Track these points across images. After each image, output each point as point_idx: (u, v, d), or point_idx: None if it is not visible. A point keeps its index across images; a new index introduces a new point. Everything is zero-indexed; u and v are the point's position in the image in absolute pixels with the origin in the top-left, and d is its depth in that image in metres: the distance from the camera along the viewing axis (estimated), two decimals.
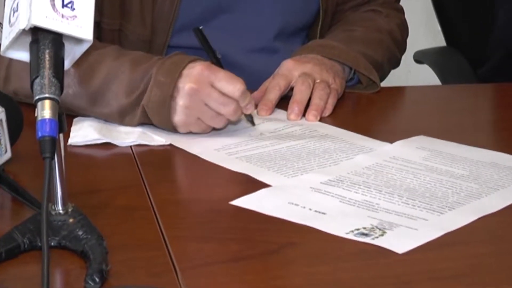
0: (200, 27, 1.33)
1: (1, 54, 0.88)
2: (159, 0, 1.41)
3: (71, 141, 1.18)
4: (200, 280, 0.83)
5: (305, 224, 0.94)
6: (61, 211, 0.88)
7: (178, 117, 1.19)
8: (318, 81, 1.35)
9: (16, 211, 0.99)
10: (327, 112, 1.34)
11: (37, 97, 0.82)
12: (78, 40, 0.86)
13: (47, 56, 0.83)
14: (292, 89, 1.35)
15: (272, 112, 1.34)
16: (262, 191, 1.03)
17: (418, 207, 0.98)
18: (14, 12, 0.85)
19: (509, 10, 2.01)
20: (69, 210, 0.88)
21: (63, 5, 0.84)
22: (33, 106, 0.82)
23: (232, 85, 1.17)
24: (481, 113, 1.45)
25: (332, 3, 1.57)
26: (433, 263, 0.86)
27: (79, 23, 0.85)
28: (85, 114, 1.25)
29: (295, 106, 1.32)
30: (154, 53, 1.34)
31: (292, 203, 0.99)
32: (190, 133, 1.22)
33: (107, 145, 1.18)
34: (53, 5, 0.84)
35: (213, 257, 0.87)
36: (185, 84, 1.18)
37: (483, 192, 1.04)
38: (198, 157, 1.15)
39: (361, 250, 0.88)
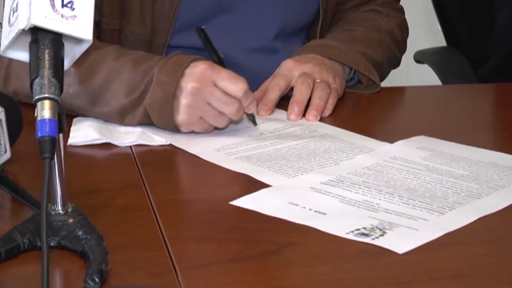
0: (203, 27, 1.33)
1: (1, 54, 0.88)
2: (159, 0, 1.41)
3: (71, 141, 1.18)
4: (200, 280, 0.83)
5: (305, 224, 0.94)
6: (61, 211, 0.87)
7: (181, 117, 1.19)
8: (318, 81, 1.35)
9: (16, 211, 0.99)
10: (327, 112, 1.34)
11: (36, 97, 0.82)
12: (78, 40, 0.86)
13: (46, 56, 0.83)
14: (292, 89, 1.35)
15: (272, 112, 1.34)
16: (262, 191, 1.03)
17: (418, 207, 0.98)
18: (13, 12, 0.85)
19: (509, 10, 2.01)
20: (69, 210, 0.88)
21: (63, 5, 0.84)
22: (33, 106, 0.82)
23: (235, 85, 1.17)
24: (481, 113, 1.45)
25: (332, 3, 1.57)
26: (433, 263, 0.86)
27: (78, 23, 0.85)
28: (85, 114, 1.25)
29: (295, 106, 1.32)
30: (154, 53, 1.34)
31: (292, 203, 0.99)
32: (191, 133, 1.22)
33: (107, 145, 1.18)
34: (53, 5, 0.84)
35: (213, 257, 0.87)
36: (188, 83, 1.18)
37: (483, 192, 1.04)
38: (198, 157, 1.15)
39: (361, 250, 0.88)
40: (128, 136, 1.20)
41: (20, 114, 1.11)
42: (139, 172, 1.10)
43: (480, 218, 0.96)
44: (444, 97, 1.57)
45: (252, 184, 1.05)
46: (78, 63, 0.92)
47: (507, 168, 1.12)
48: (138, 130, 1.22)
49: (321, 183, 1.05)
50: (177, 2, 1.41)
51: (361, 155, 1.15)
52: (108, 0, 1.39)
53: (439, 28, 2.17)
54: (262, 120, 1.30)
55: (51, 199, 0.87)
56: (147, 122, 1.22)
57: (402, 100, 1.56)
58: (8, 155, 1.07)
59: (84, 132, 1.20)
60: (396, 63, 1.60)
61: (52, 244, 0.86)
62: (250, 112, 1.22)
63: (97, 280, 0.79)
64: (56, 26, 0.84)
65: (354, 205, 0.98)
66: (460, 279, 0.84)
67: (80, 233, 0.86)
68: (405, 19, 1.63)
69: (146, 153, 1.16)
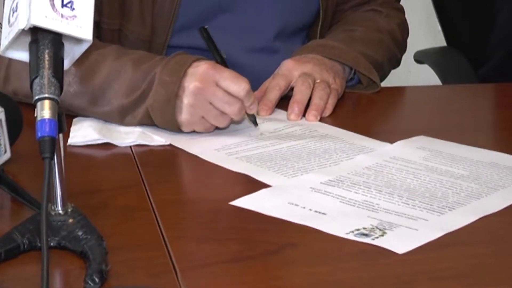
0: (206, 26, 1.33)
1: (1, 54, 0.88)
2: (159, 0, 1.41)
3: (71, 141, 1.18)
4: (200, 280, 0.83)
5: (305, 224, 0.94)
6: (60, 212, 0.87)
7: (183, 116, 1.19)
8: (318, 81, 1.35)
9: (16, 211, 0.99)
10: (327, 112, 1.34)
11: (36, 97, 0.82)
12: (78, 40, 0.86)
13: (46, 56, 0.83)
14: (292, 89, 1.35)
15: (272, 112, 1.34)
16: (262, 191, 1.03)
17: (418, 207, 0.98)
18: (13, 12, 0.85)
19: (509, 10, 2.01)
20: (69, 210, 0.88)
21: (63, 5, 0.84)
22: (33, 106, 0.82)
23: (237, 85, 1.17)
24: (481, 113, 1.45)
25: (332, 3, 1.57)
26: (433, 263, 0.86)
27: (78, 23, 0.85)
28: (85, 114, 1.25)
29: (295, 106, 1.32)
30: (154, 53, 1.34)
31: (292, 203, 0.99)
32: (191, 133, 1.22)
33: (107, 145, 1.18)
34: (53, 5, 0.84)
35: (213, 257, 0.87)
36: (190, 83, 1.18)
37: (483, 192, 1.04)
38: (198, 157, 1.15)
39: (361, 250, 0.88)
40: (128, 136, 1.20)
41: (20, 114, 1.11)
42: (139, 172, 1.10)
43: (480, 218, 0.96)
44: (444, 97, 1.57)
45: (252, 184, 1.05)
46: (78, 62, 0.92)
47: (507, 168, 1.12)
48: (138, 130, 1.22)
49: (321, 183, 1.05)
50: (177, 2, 1.41)
51: (361, 155, 1.15)
52: (108, 0, 1.39)
53: (439, 28, 2.17)
54: (262, 120, 1.30)
55: (51, 199, 0.87)
56: (147, 122, 1.22)
57: (402, 100, 1.56)
58: (8, 155, 1.07)
59: (84, 132, 1.20)
60: (396, 63, 1.60)
61: (52, 244, 0.86)
62: (251, 112, 1.22)
63: (97, 280, 0.79)
64: (56, 26, 0.84)
65: (354, 205, 0.98)
66: (460, 279, 0.84)
67: (80, 233, 0.86)
68: (405, 19, 1.63)
69: (146, 153, 1.16)
